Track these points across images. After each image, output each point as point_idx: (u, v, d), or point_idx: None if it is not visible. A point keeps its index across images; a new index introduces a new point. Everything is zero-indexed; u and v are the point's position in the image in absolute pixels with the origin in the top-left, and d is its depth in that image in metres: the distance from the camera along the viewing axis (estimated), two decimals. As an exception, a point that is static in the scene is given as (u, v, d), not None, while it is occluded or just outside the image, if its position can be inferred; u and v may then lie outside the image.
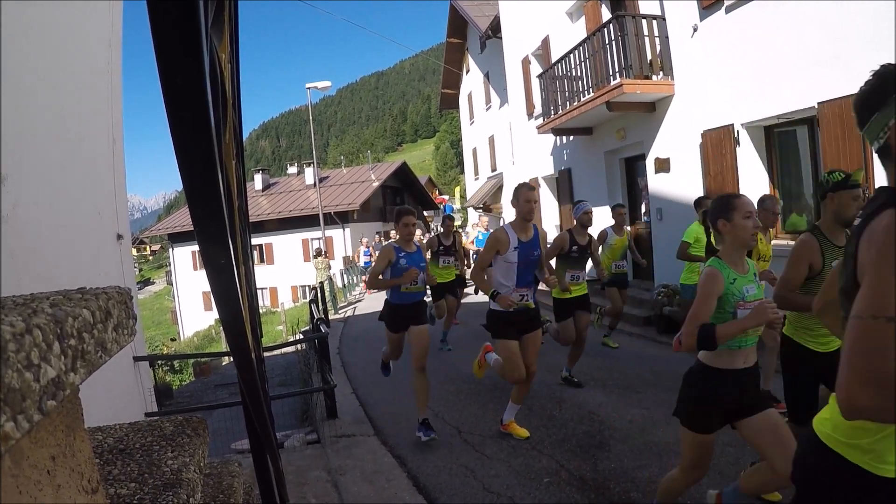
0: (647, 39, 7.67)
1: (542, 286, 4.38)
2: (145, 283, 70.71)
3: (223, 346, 16.13)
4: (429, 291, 5.73)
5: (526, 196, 3.75)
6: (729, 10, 6.36)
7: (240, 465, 1.42)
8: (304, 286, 25.86)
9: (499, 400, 5.03)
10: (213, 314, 24.89)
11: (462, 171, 35.53)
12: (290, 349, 8.80)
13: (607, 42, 7.84)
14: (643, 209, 9.20)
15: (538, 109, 11.42)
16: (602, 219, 7.31)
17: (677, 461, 3.47)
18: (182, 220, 30.42)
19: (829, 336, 2.49)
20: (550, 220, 12.60)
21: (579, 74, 8.88)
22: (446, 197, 39.02)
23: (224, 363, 12.83)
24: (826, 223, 2.56)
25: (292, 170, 36.44)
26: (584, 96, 8.75)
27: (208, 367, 12.38)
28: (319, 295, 10.69)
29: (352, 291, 16.50)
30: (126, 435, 1.09)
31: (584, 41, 8.61)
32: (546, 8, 11.17)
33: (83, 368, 0.45)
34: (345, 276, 17.21)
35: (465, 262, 8.26)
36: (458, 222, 16.06)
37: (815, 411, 1.38)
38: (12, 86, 1.99)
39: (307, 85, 20.42)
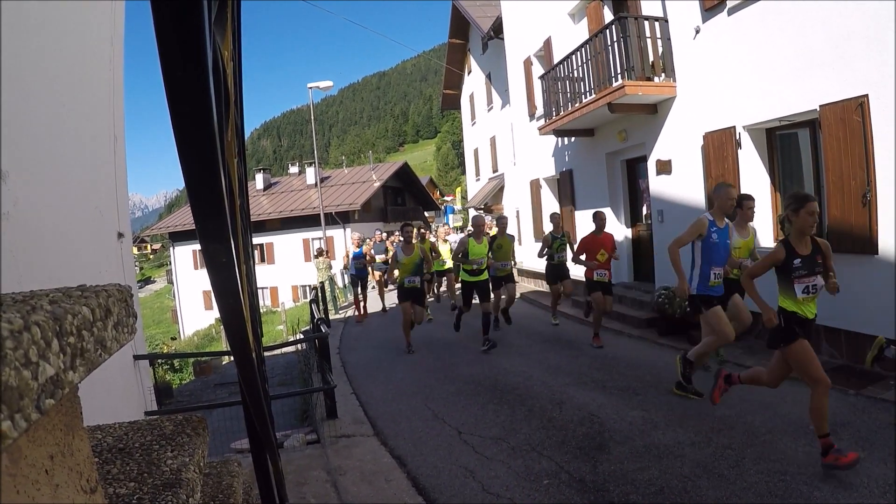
0: (649, 41, 7.66)
1: None
2: (146, 281, 70.86)
3: (223, 346, 16.13)
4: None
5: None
6: (731, 11, 6.35)
7: (239, 465, 1.42)
8: (304, 286, 25.91)
9: (498, 401, 5.02)
10: (214, 313, 24.92)
11: (463, 172, 35.54)
12: (291, 349, 8.80)
13: (609, 43, 7.83)
14: (644, 211, 9.19)
15: (540, 110, 11.42)
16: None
17: (677, 463, 3.47)
18: (183, 218, 30.46)
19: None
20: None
21: (581, 76, 8.87)
22: (450, 198, 38.78)
23: (224, 362, 12.84)
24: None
25: (293, 169, 36.50)
26: (585, 97, 8.74)
27: (208, 367, 12.39)
28: (320, 295, 10.69)
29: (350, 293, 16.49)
30: (125, 434, 1.08)
31: (586, 42, 8.60)
32: (548, 9, 11.17)
33: (82, 367, 0.45)
34: (345, 276, 17.18)
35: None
36: (458, 223, 15.90)
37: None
38: (13, 83, 1.99)
39: (309, 84, 20.40)
